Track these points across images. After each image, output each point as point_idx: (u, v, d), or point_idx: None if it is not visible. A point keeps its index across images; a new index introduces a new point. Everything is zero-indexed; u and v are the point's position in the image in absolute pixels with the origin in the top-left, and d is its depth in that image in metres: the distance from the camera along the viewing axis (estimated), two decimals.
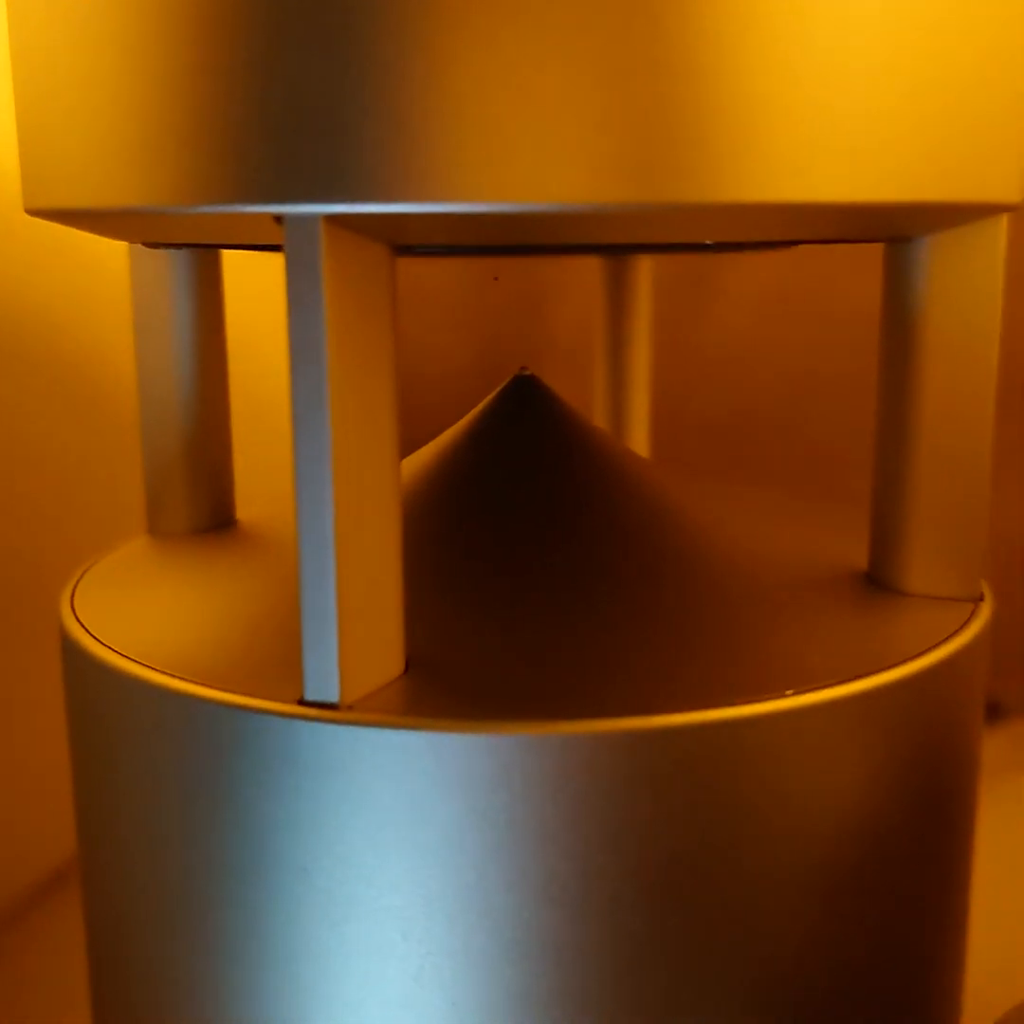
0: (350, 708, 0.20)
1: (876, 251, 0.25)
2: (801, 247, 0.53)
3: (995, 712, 0.53)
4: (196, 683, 0.21)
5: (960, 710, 0.23)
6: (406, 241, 0.20)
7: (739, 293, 0.55)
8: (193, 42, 0.18)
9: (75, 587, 0.26)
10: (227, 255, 0.30)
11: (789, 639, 0.22)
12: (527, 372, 0.28)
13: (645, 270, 0.35)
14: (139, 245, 0.27)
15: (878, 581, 0.25)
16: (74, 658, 0.23)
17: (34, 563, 0.37)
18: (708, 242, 0.20)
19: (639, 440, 0.36)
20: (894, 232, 0.22)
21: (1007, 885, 0.39)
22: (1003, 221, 0.23)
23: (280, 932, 0.20)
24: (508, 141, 0.17)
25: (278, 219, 0.18)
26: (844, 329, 0.53)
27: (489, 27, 0.17)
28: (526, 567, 0.24)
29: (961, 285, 0.24)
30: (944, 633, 0.23)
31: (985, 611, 0.24)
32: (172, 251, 0.27)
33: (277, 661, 0.21)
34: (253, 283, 0.43)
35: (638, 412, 0.36)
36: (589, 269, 0.36)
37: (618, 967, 0.20)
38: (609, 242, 0.20)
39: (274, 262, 0.43)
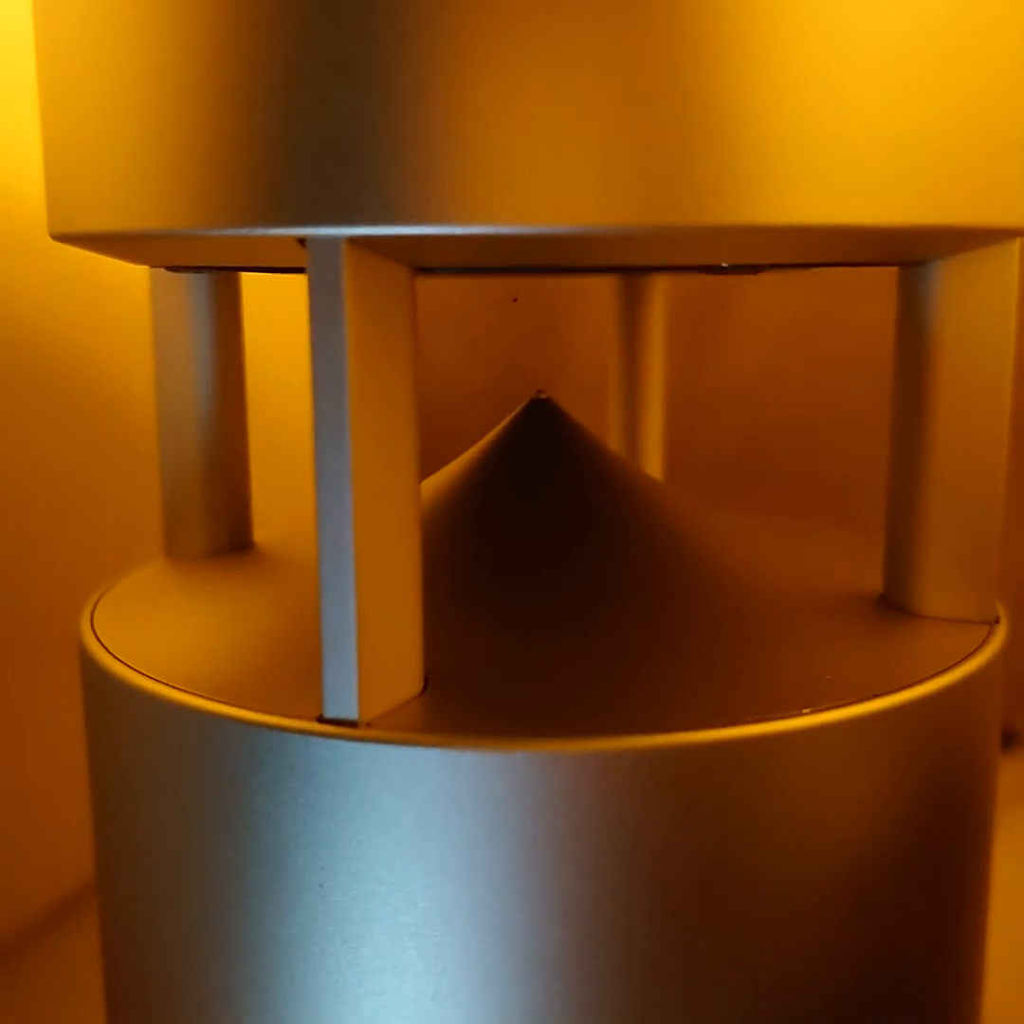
0: (369, 725, 0.20)
1: (889, 280, 0.25)
2: (814, 276, 0.53)
3: (1011, 740, 0.53)
4: (216, 700, 0.21)
5: (976, 731, 0.23)
6: (427, 263, 0.20)
7: (752, 323, 0.55)
8: (217, 68, 0.18)
9: (94, 608, 0.26)
10: (245, 279, 0.30)
11: (804, 659, 0.23)
12: (543, 395, 0.28)
13: (659, 294, 0.35)
14: (160, 269, 0.28)
15: (893, 604, 0.25)
16: (94, 677, 0.23)
17: (52, 586, 0.37)
18: (724, 264, 0.20)
19: (653, 465, 0.36)
20: (908, 255, 0.23)
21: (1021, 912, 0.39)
22: (1016, 245, 0.24)
23: (296, 949, 0.20)
24: (526, 165, 0.18)
25: (301, 242, 0.19)
26: (857, 359, 0.54)
27: (507, 54, 0.17)
28: (543, 587, 0.24)
29: (974, 308, 0.24)
30: (959, 654, 0.23)
31: (1001, 633, 0.24)
32: (192, 275, 0.28)
33: (296, 679, 0.22)
34: (271, 307, 0.43)
35: (652, 437, 0.36)
36: (604, 294, 0.36)
37: (633, 985, 0.20)
38: (626, 263, 0.20)
39: (292, 286, 0.44)
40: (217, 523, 0.30)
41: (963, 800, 0.23)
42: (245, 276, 0.30)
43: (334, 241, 0.18)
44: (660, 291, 0.35)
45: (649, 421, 0.36)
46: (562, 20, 0.17)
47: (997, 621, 0.25)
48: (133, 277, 0.39)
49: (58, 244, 0.37)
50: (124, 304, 0.39)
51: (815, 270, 0.52)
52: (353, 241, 0.18)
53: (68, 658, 0.35)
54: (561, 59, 0.17)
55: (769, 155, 0.18)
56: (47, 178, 0.22)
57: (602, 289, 0.39)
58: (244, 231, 0.19)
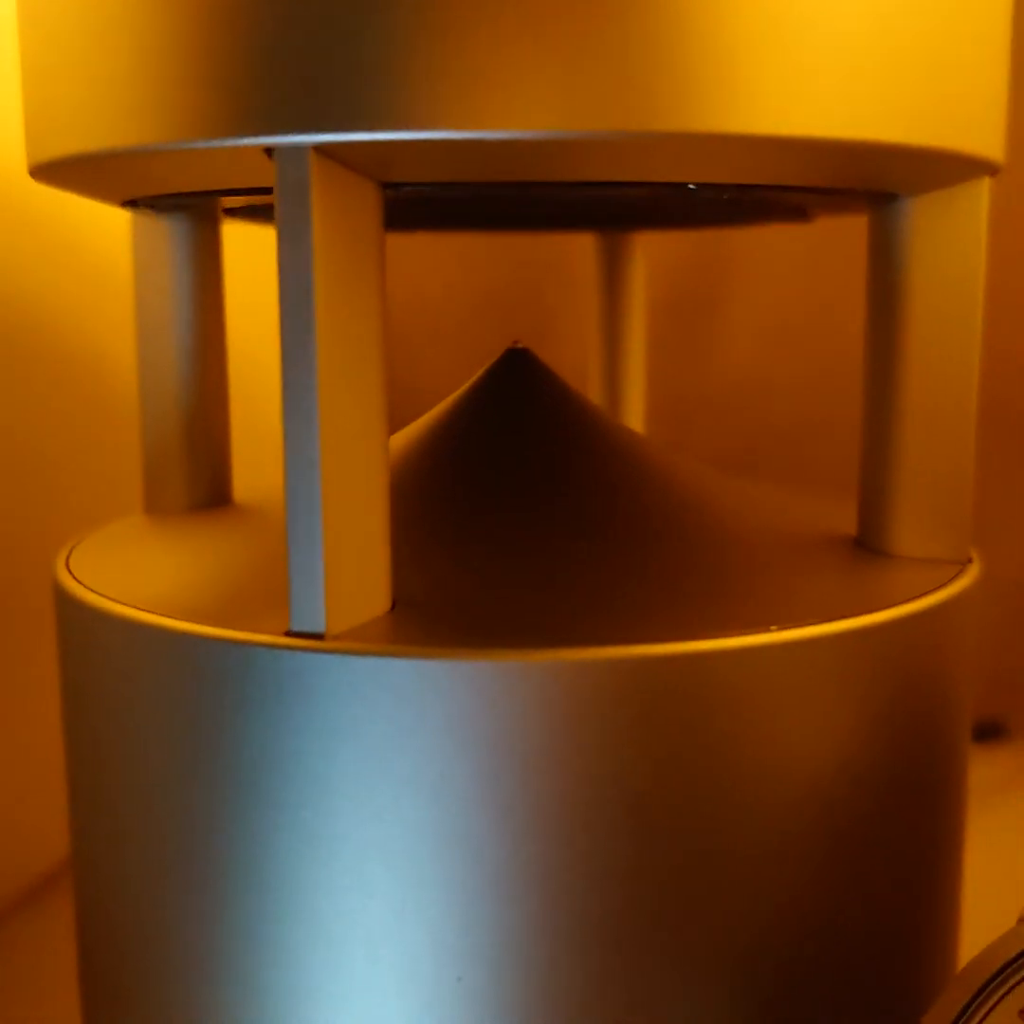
0: (336, 638, 0.20)
1: None
2: (803, 278, 0.53)
3: (999, 732, 0.53)
4: (183, 620, 0.21)
5: (946, 663, 0.23)
6: (395, 177, 0.20)
7: (742, 325, 0.55)
8: None
9: (71, 550, 0.26)
10: (226, 242, 0.30)
11: (776, 586, 0.23)
12: (520, 345, 0.28)
13: (639, 256, 0.35)
14: (140, 215, 0.28)
15: (868, 545, 0.26)
16: (66, 608, 0.23)
17: (30, 542, 0.37)
18: (691, 184, 0.20)
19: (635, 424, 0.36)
20: (875, 183, 0.23)
21: (1006, 905, 0.38)
22: (985, 184, 0.24)
23: (266, 868, 0.20)
24: (490, 70, 0.18)
25: (268, 152, 0.19)
26: (849, 360, 0.54)
27: None
28: (518, 521, 0.24)
29: (944, 249, 0.24)
30: (930, 586, 0.23)
31: (973, 571, 0.24)
32: (172, 223, 0.28)
33: (266, 603, 0.22)
34: (251, 271, 0.43)
35: (634, 397, 0.36)
36: (587, 259, 0.36)
37: (602, 901, 0.20)
38: (592, 178, 0.20)
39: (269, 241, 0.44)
40: (196, 478, 0.30)
41: (934, 729, 0.23)
42: (225, 238, 0.30)
43: (301, 150, 0.19)
44: (640, 254, 0.35)
45: (631, 390, 0.36)
46: None
47: (970, 561, 0.25)
48: (113, 233, 0.39)
49: (34, 204, 0.37)
50: (103, 261, 0.40)
51: (806, 269, 0.52)
52: (320, 150, 0.19)
53: (43, 618, 0.35)
54: None
55: (734, 64, 0.18)
56: (25, 108, 0.23)
57: (583, 251, 0.39)
58: (212, 143, 0.19)
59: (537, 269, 0.55)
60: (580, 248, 0.41)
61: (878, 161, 0.21)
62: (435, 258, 0.55)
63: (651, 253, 0.36)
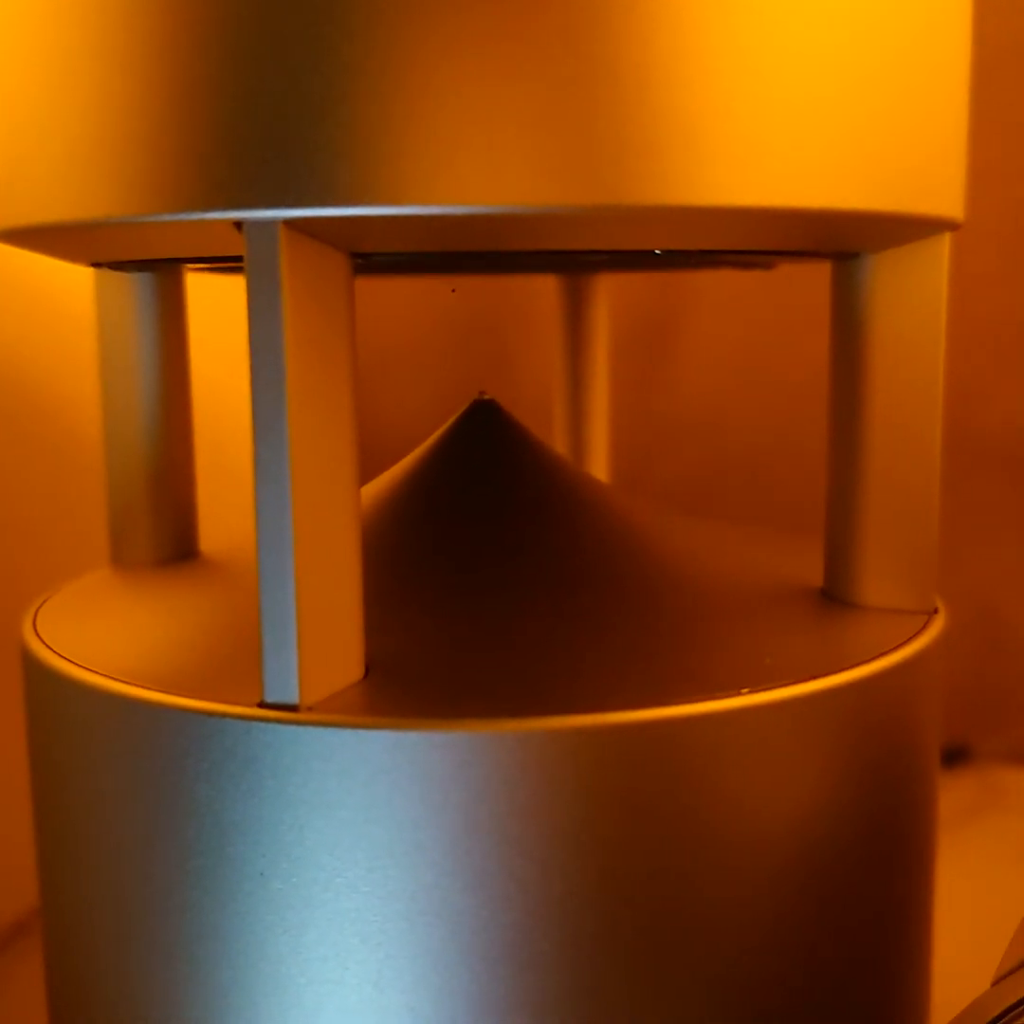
0: (309, 709, 0.20)
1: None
2: (761, 309, 0.53)
3: (964, 755, 0.53)
4: (156, 690, 0.21)
5: (915, 716, 0.23)
6: (364, 247, 0.20)
7: (703, 353, 0.55)
8: (151, 54, 0.19)
9: (37, 610, 0.26)
10: (191, 288, 0.30)
11: (744, 644, 0.23)
12: (486, 397, 0.28)
13: (603, 298, 0.35)
14: (104, 271, 0.28)
15: (833, 596, 0.26)
16: (34, 674, 0.23)
17: None
18: (657, 250, 0.21)
19: (598, 473, 0.36)
20: (838, 245, 0.23)
21: (974, 929, 0.39)
22: (945, 239, 0.24)
23: (237, 940, 0.20)
24: (459, 145, 0.18)
25: (238, 226, 0.19)
26: (810, 388, 0.54)
27: (440, 35, 0.18)
28: (486, 579, 0.24)
29: (905, 303, 0.24)
30: (898, 640, 0.23)
31: (939, 622, 0.25)
32: (137, 277, 0.28)
33: (238, 670, 0.22)
34: (216, 316, 0.43)
35: (597, 445, 0.36)
36: (550, 300, 0.37)
37: (578, 968, 0.20)
38: (560, 247, 0.20)
39: (237, 296, 0.43)
40: (163, 531, 0.30)
41: (904, 781, 0.23)
42: (190, 285, 0.30)
43: (270, 224, 0.19)
44: (603, 294, 0.35)
45: (594, 429, 0.36)
46: (493, 3, 0.18)
47: (936, 611, 0.25)
48: (76, 282, 0.39)
49: None
50: (67, 311, 0.39)
51: (765, 298, 0.53)
52: (289, 224, 0.19)
53: (11, 671, 0.34)
54: (492, 42, 0.18)
55: (701, 137, 0.18)
56: None
57: (548, 295, 0.39)
58: (181, 216, 0.19)
59: (499, 294, 0.55)
60: (542, 278, 0.42)
61: (841, 226, 0.21)
62: (392, 284, 0.56)
63: (608, 283, 0.36)
